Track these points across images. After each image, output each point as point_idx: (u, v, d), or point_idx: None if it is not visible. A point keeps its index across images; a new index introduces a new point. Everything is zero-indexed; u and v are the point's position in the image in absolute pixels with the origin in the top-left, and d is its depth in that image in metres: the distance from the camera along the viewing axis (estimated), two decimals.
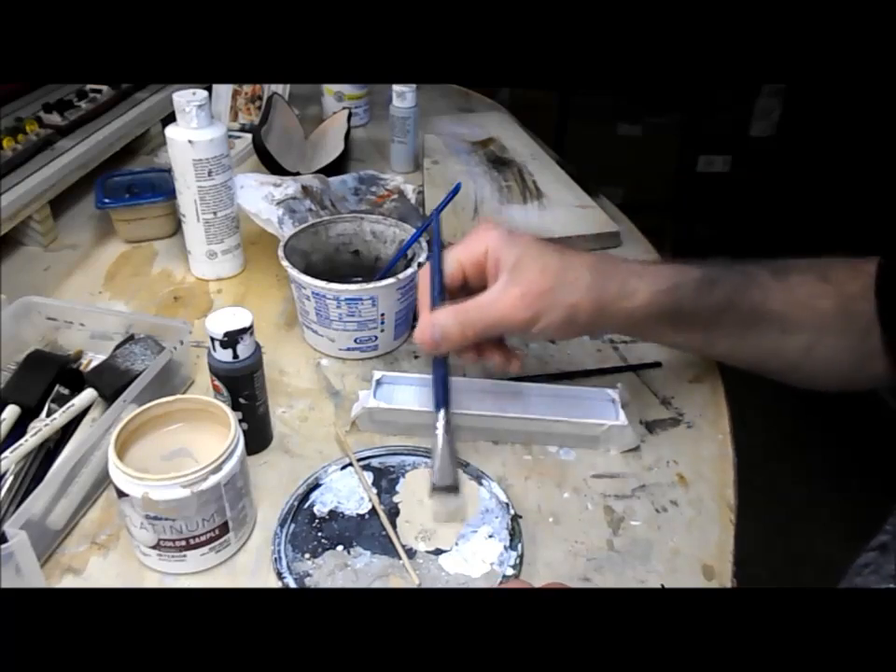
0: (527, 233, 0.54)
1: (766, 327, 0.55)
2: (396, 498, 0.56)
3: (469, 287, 0.55)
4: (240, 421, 0.54)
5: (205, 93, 0.73)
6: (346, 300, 0.66)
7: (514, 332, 0.55)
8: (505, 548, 0.53)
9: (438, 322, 0.52)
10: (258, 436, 0.60)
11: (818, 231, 2.05)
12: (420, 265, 0.69)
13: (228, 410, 0.52)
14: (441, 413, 0.54)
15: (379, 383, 0.64)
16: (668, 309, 0.53)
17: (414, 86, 1.03)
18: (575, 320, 0.51)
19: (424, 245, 0.71)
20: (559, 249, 0.53)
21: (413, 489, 0.57)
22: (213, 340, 0.55)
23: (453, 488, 0.52)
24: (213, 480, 0.48)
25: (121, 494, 0.48)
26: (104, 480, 0.55)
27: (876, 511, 0.55)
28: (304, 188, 0.83)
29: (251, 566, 0.52)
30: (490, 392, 0.64)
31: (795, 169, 2.19)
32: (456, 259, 0.54)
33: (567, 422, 0.60)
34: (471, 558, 0.52)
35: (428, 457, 0.59)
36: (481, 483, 0.57)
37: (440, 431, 0.53)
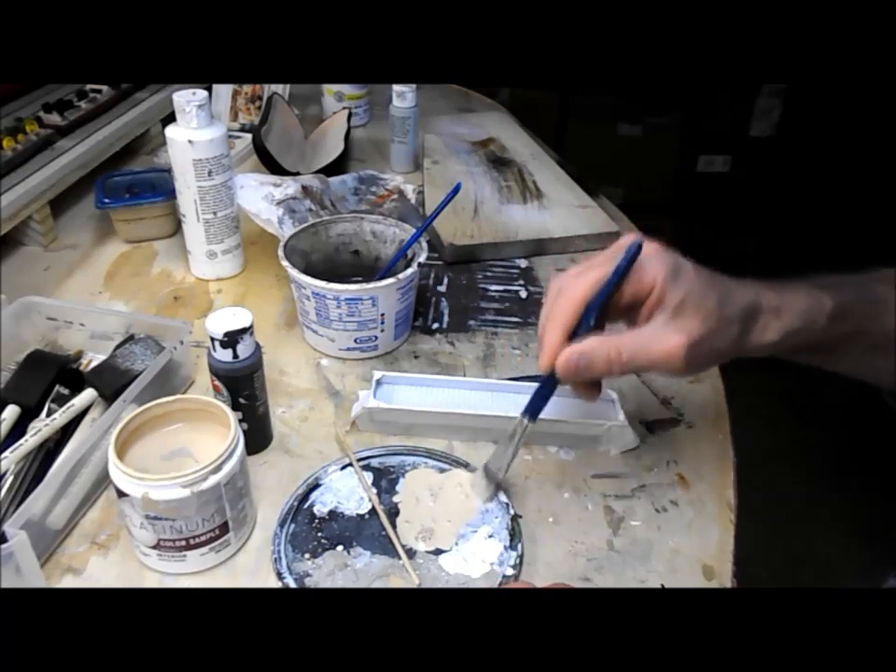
0: (689, 265, 0.50)
1: (892, 349, 0.54)
2: (396, 498, 0.56)
3: (609, 313, 0.52)
4: (240, 421, 0.54)
5: (205, 93, 0.73)
6: (346, 300, 0.66)
7: (657, 372, 0.51)
8: (505, 548, 0.53)
9: (586, 353, 0.48)
10: (258, 436, 0.60)
11: (818, 231, 2.05)
12: (420, 265, 0.69)
13: (228, 410, 0.52)
14: (527, 419, 0.54)
15: (379, 383, 0.64)
16: (798, 344, 0.51)
17: (414, 86, 1.03)
18: (716, 362, 0.51)
19: (424, 244, 0.71)
20: (716, 287, 0.49)
21: (413, 489, 0.57)
22: (213, 340, 0.55)
23: (497, 483, 0.55)
24: (213, 480, 0.48)
25: (121, 494, 0.48)
26: (104, 480, 0.55)
27: (876, 512, 0.55)
28: (304, 188, 0.83)
29: (251, 566, 0.52)
30: (491, 392, 0.64)
31: (795, 169, 2.19)
32: (620, 291, 0.50)
33: (568, 422, 0.60)
34: (471, 558, 0.52)
35: (429, 457, 0.59)
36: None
37: (518, 435, 0.54)
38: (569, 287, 0.51)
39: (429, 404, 0.63)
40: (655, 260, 0.49)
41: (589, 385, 0.54)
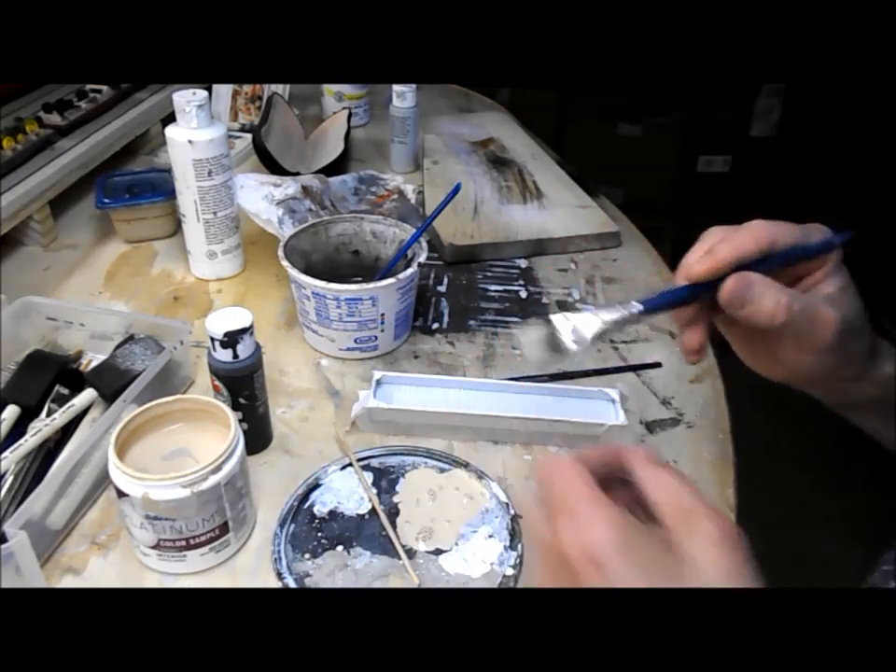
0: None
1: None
2: (396, 498, 0.56)
3: None
4: (240, 421, 0.54)
5: (205, 93, 0.73)
6: (346, 300, 0.66)
7: (796, 345, 0.48)
8: (505, 548, 0.53)
9: (763, 283, 0.45)
10: (258, 436, 0.60)
11: None
12: (420, 265, 0.69)
13: (228, 410, 0.52)
14: (639, 310, 0.47)
15: (379, 383, 0.64)
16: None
17: (414, 86, 1.03)
18: (843, 366, 0.49)
19: (424, 244, 0.71)
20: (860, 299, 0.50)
21: (413, 489, 0.57)
22: (213, 340, 0.55)
23: (562, 349, 0.48)
24: (213, 480, 0.48)
25: (121, 494, 0.48)
26: (104, 480, 0.55)
27: (876, 512, 0.55)
28: (304, 188, 0.83)
29: (251, 566, 0.52)
30: (490, 392, 0.64)
31: (795, 169, 2.19)
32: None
33: (568, 422, 0.60)
34: (471, 558, 0.52)
35: (429, 457, 0.59)
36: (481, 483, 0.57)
37: (624, 319, 0.47)
38: (758, 226, 0.47)
39: (429, 404, 0.62)
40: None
41: (703, 338, 0.49)
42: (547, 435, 0.61)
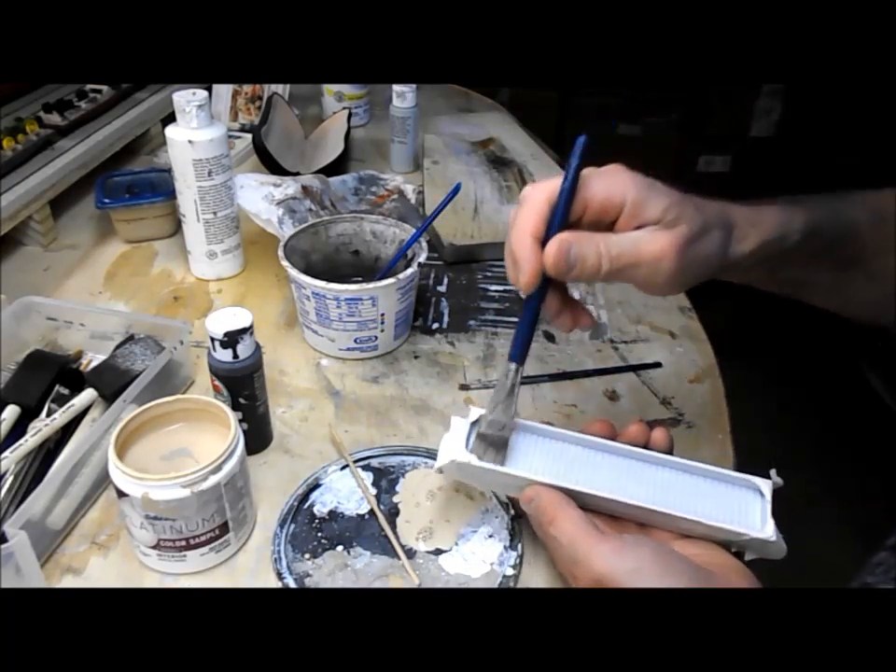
0: (661, 184, 0.49)
1: (859, 274, 0.54)
2: (395, 498, 0.56)
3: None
4: (240, 421, 0.54)
5: (205, 93, 0.73)
6: (346, 300, 0.66)
7: (644, 281, 0.47)
8: (505, 548, 0.53)
9: (577, 242, 0.45)
10: (258, 436, 0.60)
11: None
12: (420, 265, 0.69)
13: (228, 410, 0.52)
14: (514, 367, 0.48)
15: (475, 425, 0.51)
16: (773, 258, 0.50)
17: (414, 86, 1.03)
18: (702, 274, 0.48)
19: (424, 244, 0.71)
20: (691, 198, 0.48)
21: (413, 489, 0.57)
22: (213, 340, 0.55)
23: (505, 441, 0.49)
24: (213, 480, 0.48)
25: (121, 494, 0.48)
26: (104, 480, 0.55)
27: (876, 512, 0.55)
28: (304, 188, 0.83)
29: (251, 566, 0.52)
30: (609, 455, 0.51)
31: (795, 169, 2.19)
32: (584, 198, 0.46)
33: (703, 524, 0.46)
34: (471, 558, 0.52)
35: (429, 457, 0.59)
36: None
37: (517, 387, 0.48)
38: (530, 195, 0.47)
39: (536, 466, 0.50)
40: (622, 176, 0.47)
41: (572, 305, 0.50)
42: (667, 522, 0.48)
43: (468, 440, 0.50)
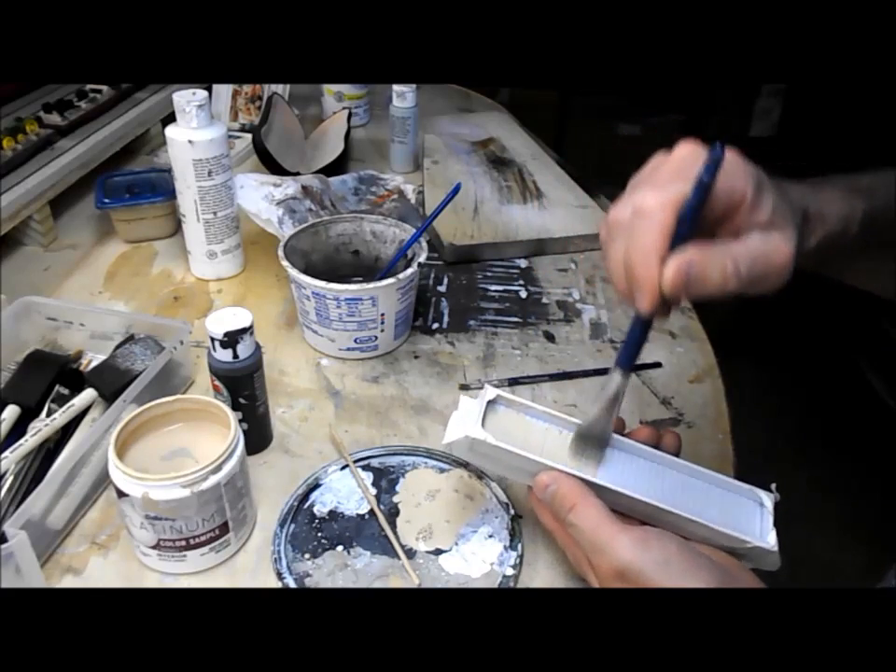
0: (763, 174, 0.46)
1: None
2: (396, 498, 0.56)
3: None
4: (240, 421, 0.54)
5: (205, 93, 0.73)
6: (346, 300, 0.66)
7: (760, 288, 0.45)
8: (505, 548, 0.53)
9: (700, 262, 0.42)
10: (258, 436, 0.60)
11: None
12: (420, 265, 0.69)
13: (228, 410, 0.52)
14: (622, 373, 0.47)
15: (493, 404, 0.51)
16: (831, 250, 0.49)
17: (414, 86, 1.03)
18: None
19: (424, 244, 0.71)
20: (782, 193, 0.46)
21: (413, 489, 0.57)
22: (213, 340, 0.55)
23: (597, 440, 0.49)
24: (213, 480, 0.48)
25: (121, 494, 0.48)
26: (104, 480, 0.55)
27: (876, 511, 0.55)
28: (304, 188, 0.83)
29: (251, 566, 0.52)
30: (617, 451, 0.51)
31: (795, 169, 2.19)
32: (709, 204, 0.43)
33: (706, 526, 0.47)
34: (471, 558, 0.52)
35: (429, 457, 0.59)
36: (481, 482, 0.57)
37: (620, 396, 0.47)
38: (650, 205, 0.43)
39: (549, 450, 0.50)
40: (739, 167, 0.44)
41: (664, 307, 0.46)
42: (674, 523, 0.48)
43: (483, 419, 0.49)
